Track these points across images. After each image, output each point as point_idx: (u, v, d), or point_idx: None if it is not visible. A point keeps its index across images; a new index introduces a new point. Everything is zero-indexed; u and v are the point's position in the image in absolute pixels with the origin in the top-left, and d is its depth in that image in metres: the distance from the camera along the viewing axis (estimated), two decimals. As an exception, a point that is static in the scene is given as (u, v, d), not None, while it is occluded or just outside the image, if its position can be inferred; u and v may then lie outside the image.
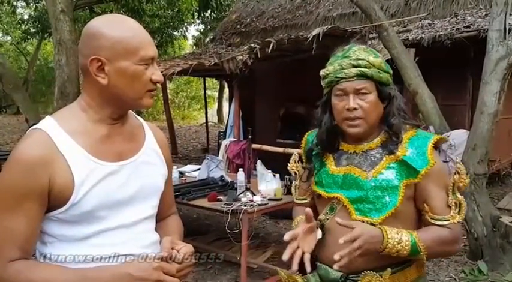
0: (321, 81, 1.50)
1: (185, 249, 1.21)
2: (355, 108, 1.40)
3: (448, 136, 4.60)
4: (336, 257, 1.30)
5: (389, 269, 1.39)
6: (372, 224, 1.40)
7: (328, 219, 1.49)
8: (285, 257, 1.37)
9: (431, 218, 1.41)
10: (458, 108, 6.61)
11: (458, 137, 4.55)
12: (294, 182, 1.74)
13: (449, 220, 1.40)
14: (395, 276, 1.42)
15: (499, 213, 4.25)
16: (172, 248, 1.20)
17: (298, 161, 1.72)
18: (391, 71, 1.46)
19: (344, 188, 1.46)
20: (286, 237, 1.38)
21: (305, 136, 1.68)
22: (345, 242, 1.29)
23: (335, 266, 1.31)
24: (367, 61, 1.40)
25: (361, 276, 1.41)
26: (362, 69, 1.39)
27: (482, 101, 4.05)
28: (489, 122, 4.01)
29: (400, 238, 1.35)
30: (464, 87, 6.65)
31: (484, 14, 6.64)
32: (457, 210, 1.41)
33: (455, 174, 1.42)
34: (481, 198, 4.10)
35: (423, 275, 1.52)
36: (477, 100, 4.15)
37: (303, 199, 1.68)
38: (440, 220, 1.40)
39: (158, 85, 1.22)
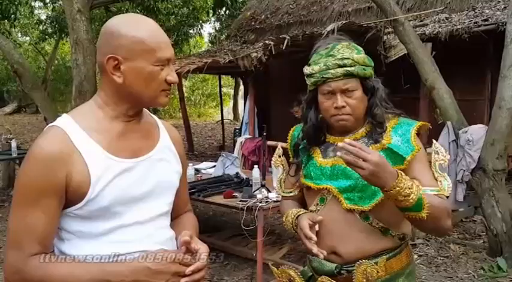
0: (306, 78, 1.52)
1: (203, 249, 1.23)
2: (343, 106, 1.44)
3: (466, 131, 4.54)
4: (340, 144, 1.26)
5: (384, 256, 1.43)
6: (363, 211, 1.44)
7: (319, 210, 1.53)
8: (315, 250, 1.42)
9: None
10: (477, 103, 6.50)
11: (477, 132, 4.48)
12: (278, 176, 1.76)
13: (439, 191, 1.42)
14: (388, 263, 1.44)
15: (519, 209, 4.18)
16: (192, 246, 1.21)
17: (282, 155, 1.75)
18: (373, 64, 1.49)
19: (333, 179, 1.49)
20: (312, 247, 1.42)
21: (290, 131, 1.72)
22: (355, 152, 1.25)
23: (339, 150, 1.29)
24: (352, 59, 1.42)
25: (356, 266, 1.43)
26: (348, 68, 1.42)
27: (500, 96, 3.98)
28: (508, 117, 3.95)
29: (411, 185, 1.31)
30: (482, 82, 6.55)
31: (502, 7, 6.49)
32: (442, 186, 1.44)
33: (435, 153, 1.46)
34: (500, 194, 4.04)
35: (412, 261, 1.55)
36: (496, 95, 4.09)
37: (290, 192, 1.71)
38: (431, 190, 1.40)
39: (173, 85, 1.24)
